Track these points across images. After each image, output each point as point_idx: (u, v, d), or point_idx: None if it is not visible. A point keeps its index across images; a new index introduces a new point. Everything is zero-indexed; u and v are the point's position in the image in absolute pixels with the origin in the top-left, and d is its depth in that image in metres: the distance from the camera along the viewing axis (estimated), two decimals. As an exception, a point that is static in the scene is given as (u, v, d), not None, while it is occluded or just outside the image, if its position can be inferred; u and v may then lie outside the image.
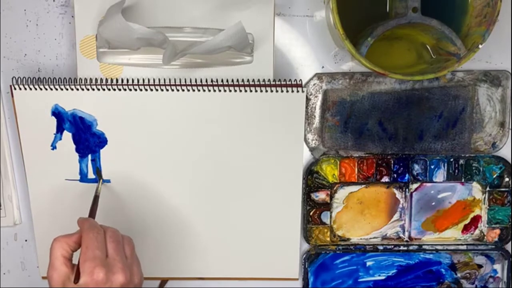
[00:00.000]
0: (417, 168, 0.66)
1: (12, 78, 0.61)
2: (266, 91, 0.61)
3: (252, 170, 0.64)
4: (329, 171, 0.66)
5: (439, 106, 0.63)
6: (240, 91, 0.61)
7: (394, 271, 0.69)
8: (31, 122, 0.62)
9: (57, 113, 0.62)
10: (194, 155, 0.63)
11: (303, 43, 0.64)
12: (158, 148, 0.63)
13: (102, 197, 0.64)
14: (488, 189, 0.67)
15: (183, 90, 0.61)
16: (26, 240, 0.68)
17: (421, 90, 0.64)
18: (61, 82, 0.61)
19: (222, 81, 0.62)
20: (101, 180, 0.63)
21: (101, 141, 0.63)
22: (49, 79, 0.62)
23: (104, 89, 0.61)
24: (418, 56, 0.63)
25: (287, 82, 0.61)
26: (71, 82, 0.61)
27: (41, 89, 0.60)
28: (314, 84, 0.64)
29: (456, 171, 0.66)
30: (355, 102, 0.63)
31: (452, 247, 0.68)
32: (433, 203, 0.67)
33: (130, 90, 0.61)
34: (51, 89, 0.61)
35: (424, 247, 0.68)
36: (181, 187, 0.64)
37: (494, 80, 0.64)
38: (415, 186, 0.67)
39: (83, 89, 0.61)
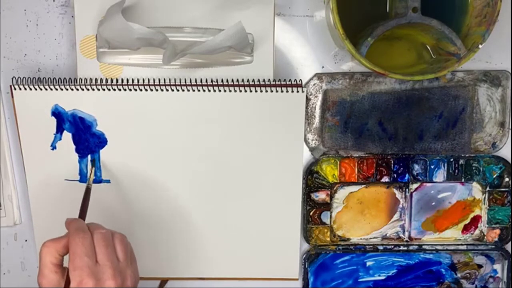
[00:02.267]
0: (417, 168, 0.66)
1: (12, 78, 0.61)
2: (266, 91, 0.61)
3: (252, 170, 0.64)
4: (329, 171, 0.66)
5: (439, 106, 0.63)
6: (240, 91, 0.61)
7: (394, 271, 0.69)
8: (31, 122, 0.62)
9: (57, 113, 0.62)
10: (194, 155, 0.63)
11: (303, 43, 0.64)
12: (158, 148, 0.63)
13: (102, 197, 0.64)
14: (488, 189, 0.67)
15: (183, 90, 0.61)
16: (26, 240, 0.68)
17: (421, 90, 0.64)
18: (61, 82, 0.61)
19: (222, 81, 0.62)
20: (93, 169, 0.62)
21: (101, 141, 0.63)
22: (49, 79, 0.62)
23: (104, 89, 0.61)
24: (418, 56, 0.63)
25: (287, 82, 0.61)
26: (71, 82, 0.61)
27: (41, 89, 0.60)
28: (314, 84, 0.64)
29: (456, 171, 0.66)
30: (355, 102, 0.63)
31: (452, 247, 0.68)
32: (433, 203, 0.67)
33: (130, 90, 0.61)
34: (51, 89, 0.61)
35: (424, 247, 0.68)
36: (181, 187, 0.64)
37: (494, 80, 0.64)
38: (415, 186, 0.67)
39: (83, 89, 0.61)
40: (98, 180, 0.64)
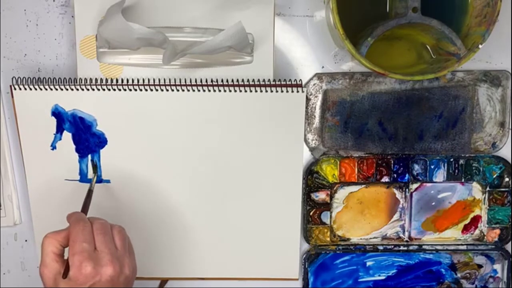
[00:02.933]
0: (417, 168, 0.66)
1: (12, 78, 0.61)
2: (266, 91, 0.61)
3: (252, 170, 0.64)
4: (329, 171, 0.66)
5: (439, 106, 0.63)
6: (240, 91, 0.61)
7: (394, 271, 0.69)
8: (31, 122, 0.62)
9: (57, 113, 0.62)
10: (194, 155, 0.63)
11: (303, 43, 0.64)
12: (158, 148, 0.63)
13: (102, 197, 0.64)
14: (488, 189, 0.67)
15: (183, 90, 0.61)
16: (26, 240, 0.68)
17: (421, 90, 0.64)
18: (61, 82, 0.61)
19: (222, 81, 0.62)
20: (95, 174, 0.63)
21: (101, 141, 0.63)
22: (49, 79, 0.62)
23: (104, 89, 0.61)
24: (418, 56, 0.63)
25: (287, 82, 0.61)
26: (71, 82, 0.61)
27: (41, 89, 0.60)
28: (314, 84, 0.64)
29: (456, 171, 0.66)
30: (355, 102, 0.63)
31: (452, 247, 0.68)
32: (433, 203, 0.67)
33: (130, 90, 0.61)
34: (51, 89, 0.61)
35: (424, 247, 0.68)
36: (181, 187, 0.64)
37: (494, 80, 0.64)
38: (415, 186, 0.67)
39: (83, 89, 0.61)
40: (98, 180, 0.64)
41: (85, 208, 0.58)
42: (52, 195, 0.64)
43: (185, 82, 0.62)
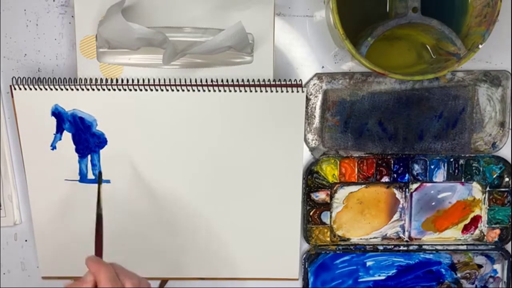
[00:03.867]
0: (417, 168, 0.66)
1: (12, 78, 0.61)
2: (266, 91, 0.61)
3: (252, 170, 0.64)
4: (329, 171, 0.66)
5: (439, 106, 0.63)
6: (240, 91, 0.61)
7: (394, 271, 0.69)
8: (31, 122, 0.62)
9: (57, 113, 0.62)
10: (194, 155, 0.63)
11: (303, 43, 0.64)
12: (158, 148, 0.63)
13: (102, 197, 0.64)
14: (488, 189, 0.67)
15: (183, 90, 0.61)
16: (26, 240, 0.68)
17: (421, 90, 0.64)
18: (61, 82, 0.61)
19: (222, 81, 0.62)
20: (100, 183, 0.61)
21: (101, 141, 0.63)
22: (49, 79, 0.62)
23: (104, 89, 0.61)
24: (418, 56, 0.63)
25: (287, 82, 0.61)
26: (71, 82, 0.61)
27: (41, 89, 0.60)
28: (314, 84, 0.64)
29: (456, 171, 0.66)
30: (355, 102, 0.63)
31: (452, 247, 0.68)
32: (433, 203, 0.67)
33: (130, 90, 0.61)
34: (51, 89, 0.61)
35: (424, 247, 0.68)
36: (180, 187, 0.64)
37: (494, 80, 0.64)
38: (415, 186, 0.67)
39: (83, 89, 0.61)
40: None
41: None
42: (52, 195, 0.64)
43: (185, 82, 0.62)
